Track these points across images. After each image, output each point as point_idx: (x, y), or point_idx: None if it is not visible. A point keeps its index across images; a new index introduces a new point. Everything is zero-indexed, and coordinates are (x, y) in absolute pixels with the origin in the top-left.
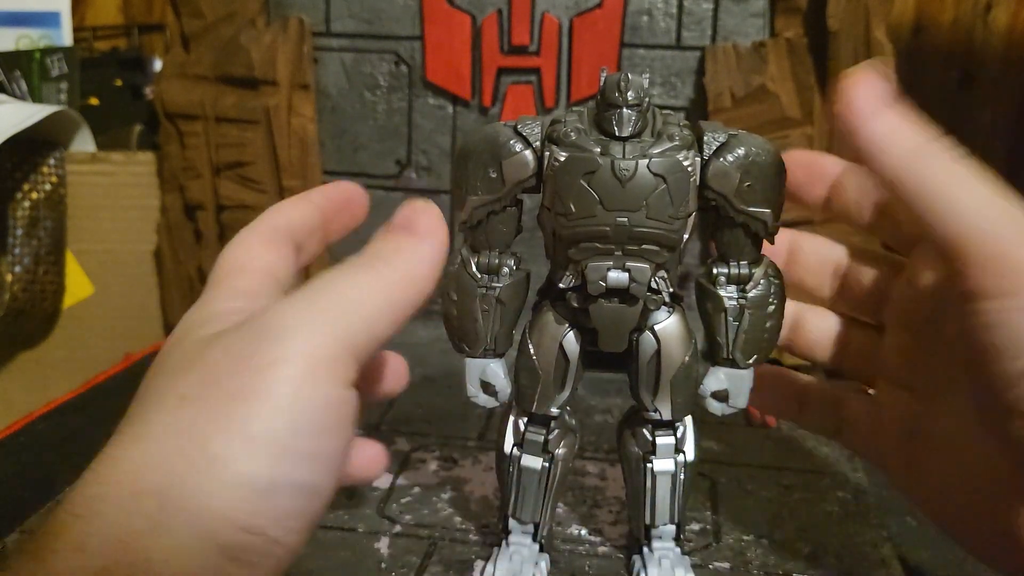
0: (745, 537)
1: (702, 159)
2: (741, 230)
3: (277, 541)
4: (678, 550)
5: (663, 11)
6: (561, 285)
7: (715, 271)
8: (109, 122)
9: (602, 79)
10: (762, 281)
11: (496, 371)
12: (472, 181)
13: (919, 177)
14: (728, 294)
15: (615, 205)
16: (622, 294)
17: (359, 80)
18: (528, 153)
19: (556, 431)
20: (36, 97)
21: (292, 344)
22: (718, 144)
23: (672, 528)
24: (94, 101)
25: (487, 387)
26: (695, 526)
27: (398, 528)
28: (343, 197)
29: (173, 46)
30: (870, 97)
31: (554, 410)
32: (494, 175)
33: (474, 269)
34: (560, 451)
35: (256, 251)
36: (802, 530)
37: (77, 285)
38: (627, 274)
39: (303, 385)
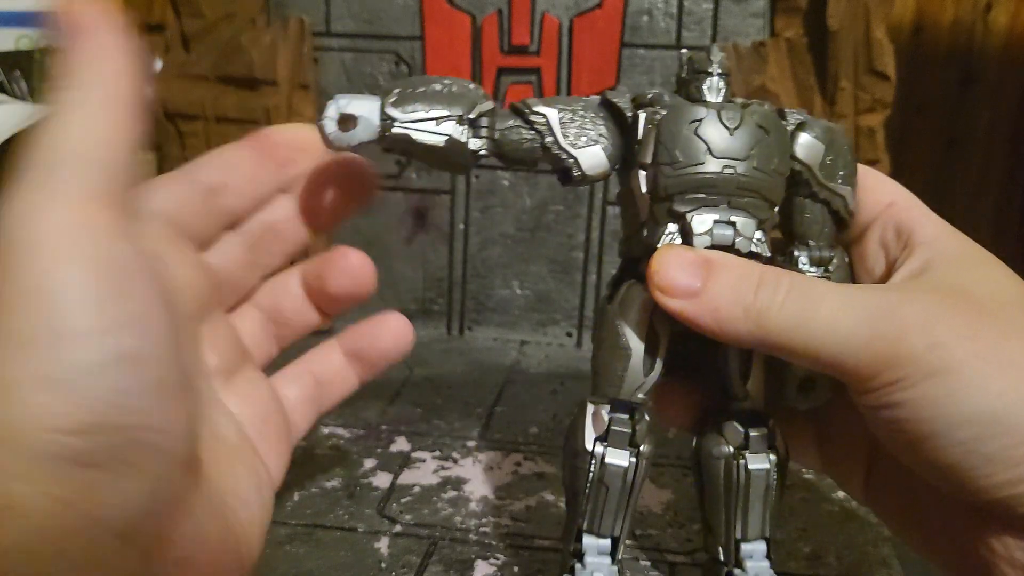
0: None
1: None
2: (821, 208)
3: (127, 427)
4: (772, 572)
5: (663, 11)
6: (659, 244)
7: (796, 253)
8: None
9: (683, 58)
10: (841, 265)
11: (359, 100)
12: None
13: (768, 337)
14: (814, 274)
15: (723, 152)
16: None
17: (359, 80)
18: (601, 149)
19: (641, 422)
20: (36, 97)
21: (31, 222)
22: (800, 119)
23: (764, 545)
24: None
25: (344, 122)
26: (695, 526)
27: (398, 528)
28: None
29: (173, 46)
30: (676, 285)
31: (641, 395)
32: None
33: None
34: (646, 447)
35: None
36: (803, 530)
37: None
38: (732, 228)
39: (60, 259)
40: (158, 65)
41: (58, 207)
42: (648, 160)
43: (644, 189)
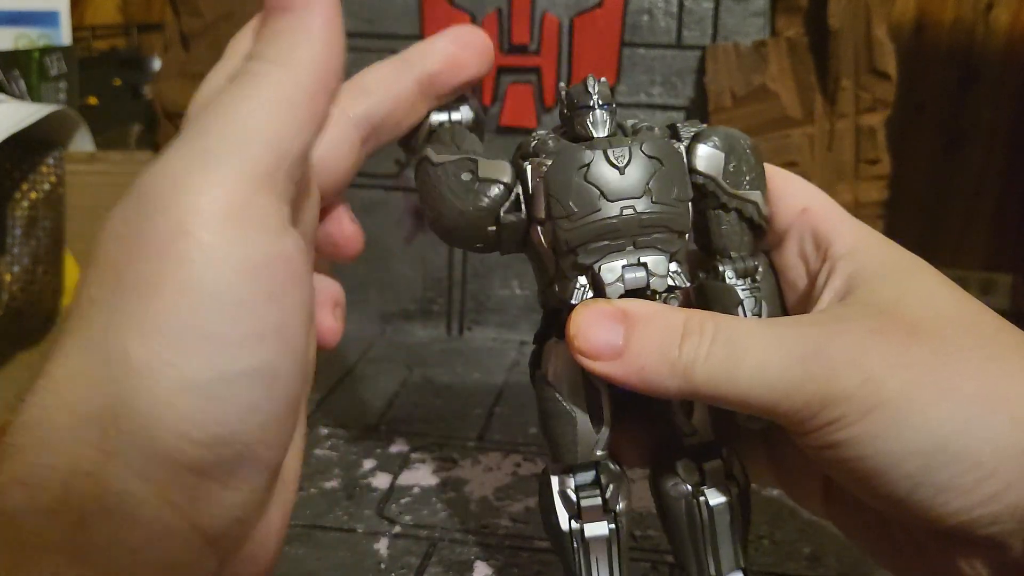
0: None
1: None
2: (735, 216)
3: (250, 443)
4: None
5: (663, 10)
6: (574, 301)
7: (721, 268)
8: (108, 122)
9: (562, 93)
10: (767, 273)
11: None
12: (452, 198)
13: (698, 391)
14: (742, 287)
15: (618, 194)
16: (641, 296)
17: None
18: (503, 164)
19: (610, 485)
20: (35, 96)
21: (190, 205)
22: (694, 132)
23: (741, 575)
24: (93, 101)
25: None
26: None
27: (398, 528)
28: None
29: (172, 45)
30: (597, 347)
31: (599, 452)
32: (468, 177)
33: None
34: (621, 505)
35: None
36: (802, 530)
37: (76, 285)
38: (644, 270)
39: (217, 255)
40: (157, 65)
41: (219, 191)
42: (543, 215)
43: (545, 244)
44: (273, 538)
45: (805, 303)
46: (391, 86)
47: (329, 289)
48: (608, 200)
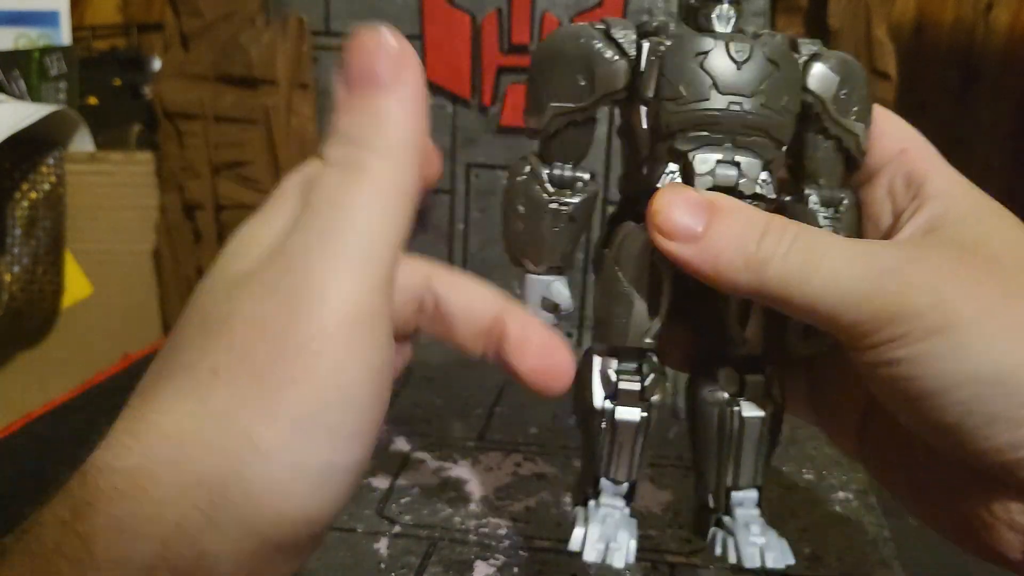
0: None
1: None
2: (833, 146)
3: (326, 525)
4: (762, 520)
5: (663, 10)
6: (659, 184)
7: (807, 191)
8: (108, 122)
9: None
10: (851, 207)
11: (561, 288)
12: (556, 86)
13: (765, 289)
14: (824, 214)
15: (729, 88)
16: (728, 193)
17: None
18: (623, 63)
19: (651, 375)
20: (35, 96)
21: (329, 310)
22: (814, 50)
23: (755, 493)
24: (93, 100)
25: (547, 305)
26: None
27: (397, 528)
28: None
29: (172, 45)
30: (677, 227)
31: (648, 341)
32: (583, 83)
33: (546, 182)
34: (656, 397)
35: None
36: (803, 530)
37: (76, 285)
38: (736, 168)
39: (348, 357)
40: (157, 64)
41: (355, 298)
42: (650, 94)
43: (645, 125)
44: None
45: (886, 238)
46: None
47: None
48: (719, 92)
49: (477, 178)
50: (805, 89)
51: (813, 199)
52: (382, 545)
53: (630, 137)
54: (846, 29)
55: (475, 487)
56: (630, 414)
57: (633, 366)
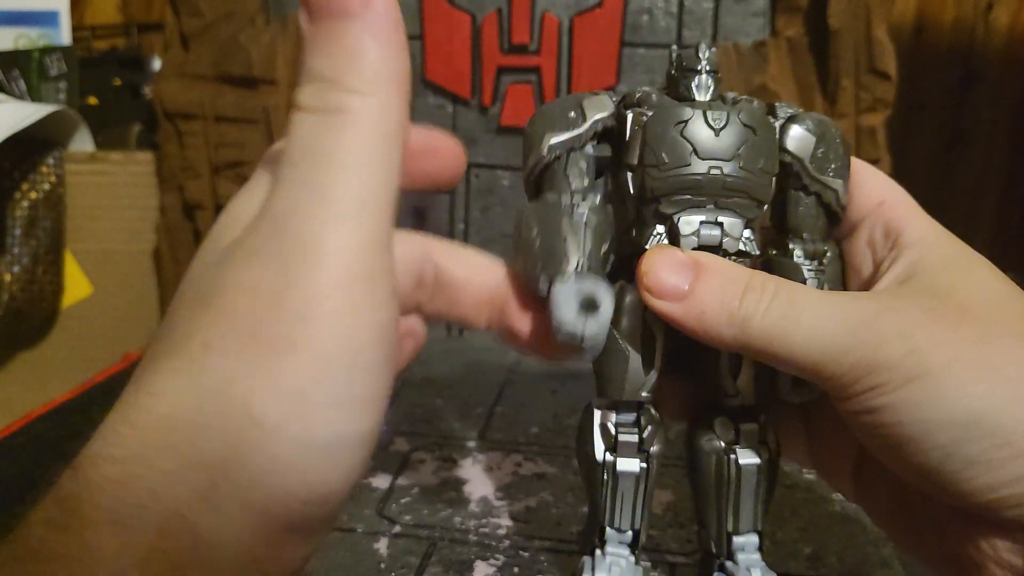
0: None
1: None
2: (814, 201)
3: (340, 502)
4: (764, 564)
5: (663, 10)
6: (647, 246)
7: (791, 246)
8: (108, 122)
9: (673, 55)
10: (834, 259)
11: (597, 286)
12: (550, 122)
13: (750, 343)
14: (808, 267)
15: (709, 154)
16: (712, 252)
17: None
18: (607, 96)
19: (648, 427)
20: (35, 96)
21: (328, 270)
22: (791, 112)
23: (756, 538)
24: (93, 100)
25: (583, 307)
26: (696, 526)
27: (397, 528)
28: (428, 141)
29: (172, 45)
30: (664, 287)
31: (645, 394)
32: (574, 115)
33: (553, 201)
34: (655, 448)
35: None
36: (804, 530)
37: (76, 285)
38: (719, 228)
39: (351, 320)
40: (156, 64)
41: (354, 256)
42: (635, 162)
43: (631, 190)
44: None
45: (867, 288)
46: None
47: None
48: (699, 157)
49: (477, 178)
50: (784, 150)
51: (797, 252)
52: (382, 545)
53: (618, 201)
54: (846, 29)
55: (475, 487)
56: (630, 465)
57: (631, 418)
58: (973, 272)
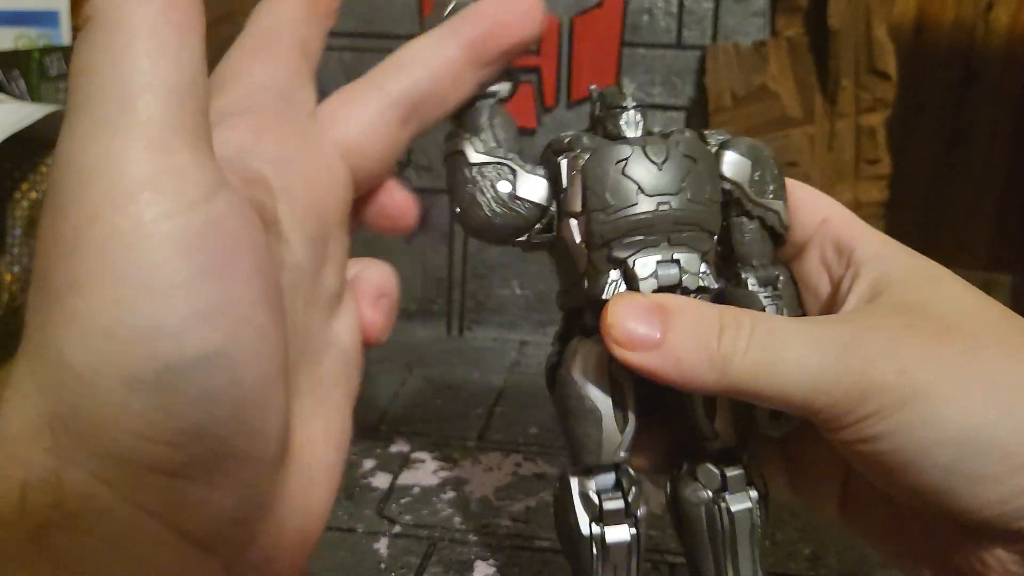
0: None
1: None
2: (757, 226)
3: (222, 436)
4: None
5: (663, 10)
6: (605, 296)
7: (743, 275)
8: None
9: (594, 94)
10: (788, 283)
11: None
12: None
13: (735, 385)
14: (764, 294)
15: (655, 190)
16: (672, 292)
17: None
18: (542, 171)
19: (632, 488)
20: (35, 96)
21: (94, 187)
22: (722, 139)
23: None
24: None
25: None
26: None
27: (397, 528)
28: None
29: None
30: (634, 337)
31: (623, 454)
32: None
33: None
34: (642, 510)
35: (347, 127)
36: (803, 531)
37: None
38: (677, 266)
39: (135, 236)
40: None
41: (139, 154)
42: (578, 208)
43: (578, 239)
44: (292, 538)
45: (829, 308)
46: (431, 58)
47: (373, 278)
48: (645, 194)
49: None
50: (722, 177)
51: (751, 281)
52: (382, 545)
53: (563, 253)
54: (846, 29)
55: (475, 487)
56: (620, 534)
57: (611, 482)
58: (941, 284)
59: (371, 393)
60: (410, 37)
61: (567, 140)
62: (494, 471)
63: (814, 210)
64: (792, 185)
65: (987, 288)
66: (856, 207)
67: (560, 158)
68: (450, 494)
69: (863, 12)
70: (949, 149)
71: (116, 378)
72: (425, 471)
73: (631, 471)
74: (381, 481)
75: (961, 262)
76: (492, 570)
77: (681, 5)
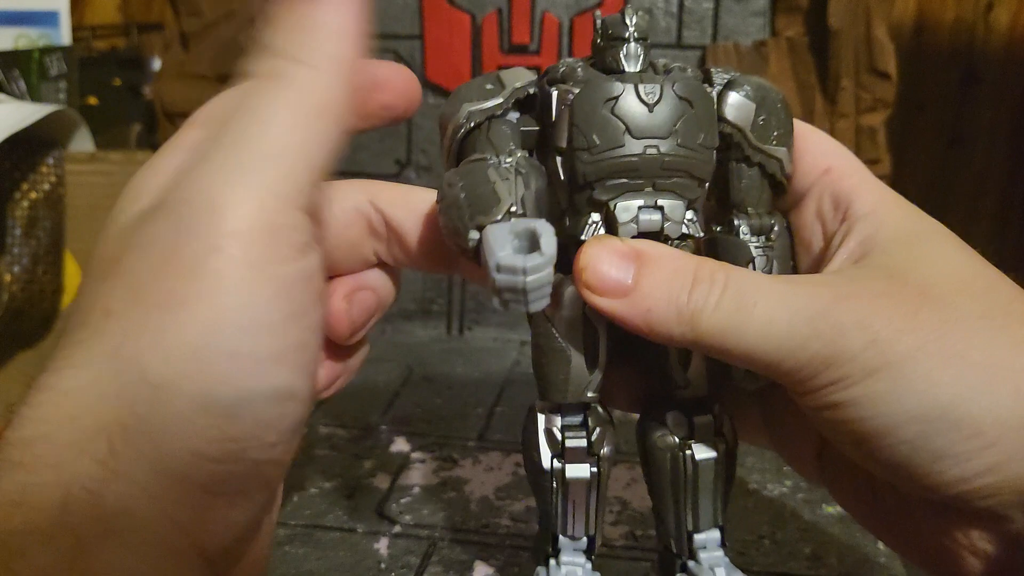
0: (747, 537)
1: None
2: (757, 173)
3: (259, 461)
4: (727, 560)
5: (664, 10)
6: (584, 237)
7: (736, 222)
8: (108, 121)
9: (598, 21)
10: (782, 233)
11: (536, 221)
12: (467, 95)
13: (701, 340)
14: (756, 243)
15: (643, 132)
16: (653, 239)
17: None
18: (525, 69)
19: (597, 428)
20: (35, 96)
21: (224, 223)
22: (728, 78)
23: (717, 533)
24: (93, 100)
25: (521, 244)
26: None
27: (398, 528)
28: (385, 75)
29: (172, 45)
30: (606, 282)
31: (590, 394)
32: (491, 86)
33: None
34: (605, 450)
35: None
36: (803, 530)
37: (76, 285)
38: (660, 213)
39: (248, 274)
40: (156, 64)
41: (251, 208)
42: (563, 145)
43: (561, 176)
44: (262, 555)
45: (819, 264)
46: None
47: (362, 276)
48: (633, 137)
49: None
50: (723, 119)
51: (743, 229)
52: (382, 545)
53: (549, 187)
54: (846, 29)
55: (475, 487)
56: (580, 471)
57: (578, 420)
58: (932, 246)
59: (371, 393)
60: (409, 37)
61: (562, 70)
62: (494, 471)
63: (817, 158)
64: (800, 130)
65: None
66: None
67: (552, 89)
68: (450, 494)
69: (863, 12)
70: (949, 149)
71: (191, 397)
72: (425, 471)
73: (600, 410)
74: (381, 481)
75: None
76: (492, 570)
77: (681, 5)
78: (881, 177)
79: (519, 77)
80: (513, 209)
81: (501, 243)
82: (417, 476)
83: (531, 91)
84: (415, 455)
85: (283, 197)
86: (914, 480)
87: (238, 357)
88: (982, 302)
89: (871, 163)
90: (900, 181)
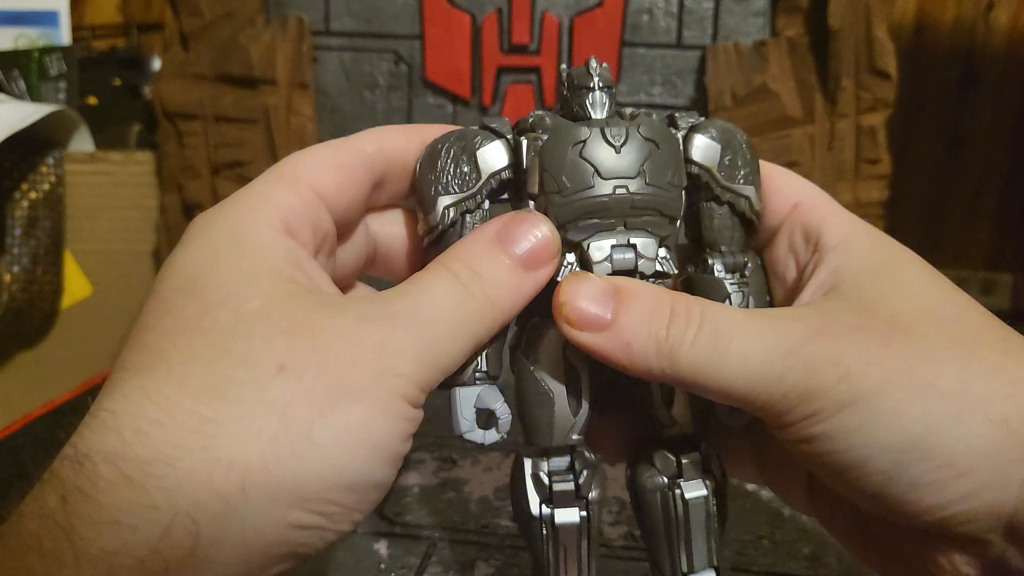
0: (745, 537)
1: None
2: (728, 211)
3: (339, 532)
4: None
5: (664, 10)
6: (560, 278)
7: (710, 261)
8: (108, 121)
9: (563, 74)
10: (756, 270)
11: (494, 394)
12: (443, 179)
13: (680, 375)
14: (731, 281)
15: (612, 173)
16: (629, 277)
17: (358, 79)
18: (501, 143)
19: (584, 471)
20: (35, 96)
21: (376, 395)
22: (692, 122)
23: (712, 574)
24: (93, 100)
25: (483, 418)
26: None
27: (398, 528)
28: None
29: (172, 45)
30: (585, 317)
31: (575, 437)
32: (467, 168)
33: None
34: (594, 493)
35: (321, 167)
36: (802, 530)
37: (75, 285)
38: (633, 251)
39: (389, 409)
40: (156, 64)
41: (398, 384)
42: (535, 190)
43: None
44: None
45: (792, 296)
46: (400, 139)
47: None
48: (602, 178)
49: None
50: (690, 161)
51: (717, 267)
52: (382, 545)
53: None
54: (846, 29)
55: (475, 487)
56: (569, 516)
57: (565, 463)
58: (902, 276)
59: None
60: (410, 37)
61: (531, 120)
62: (494, 471)
63: (786, 195)
64: (768, 169)
65: (987, 288)
66: (856, 207)
67: (522, 137)
68: (450, 494)
69: (863, 12)
70: (949, 149)
71: (331, 464)
72: (425, 471)
73: (587, 455)
74: None
75: (961, 262)
76: (492, 570)
77: (681, 5)
78: (881, 177)
79: (496, 158)
80: (477, 371)
81: (464, 411)
82: (416, 476)
83: (504, 176)
84: (414, 455)
85: (419, 369)
86: (893, 509)
87: (376, 452)
88: (951, 331)
89: (871, 163)
90: (900, 181)
